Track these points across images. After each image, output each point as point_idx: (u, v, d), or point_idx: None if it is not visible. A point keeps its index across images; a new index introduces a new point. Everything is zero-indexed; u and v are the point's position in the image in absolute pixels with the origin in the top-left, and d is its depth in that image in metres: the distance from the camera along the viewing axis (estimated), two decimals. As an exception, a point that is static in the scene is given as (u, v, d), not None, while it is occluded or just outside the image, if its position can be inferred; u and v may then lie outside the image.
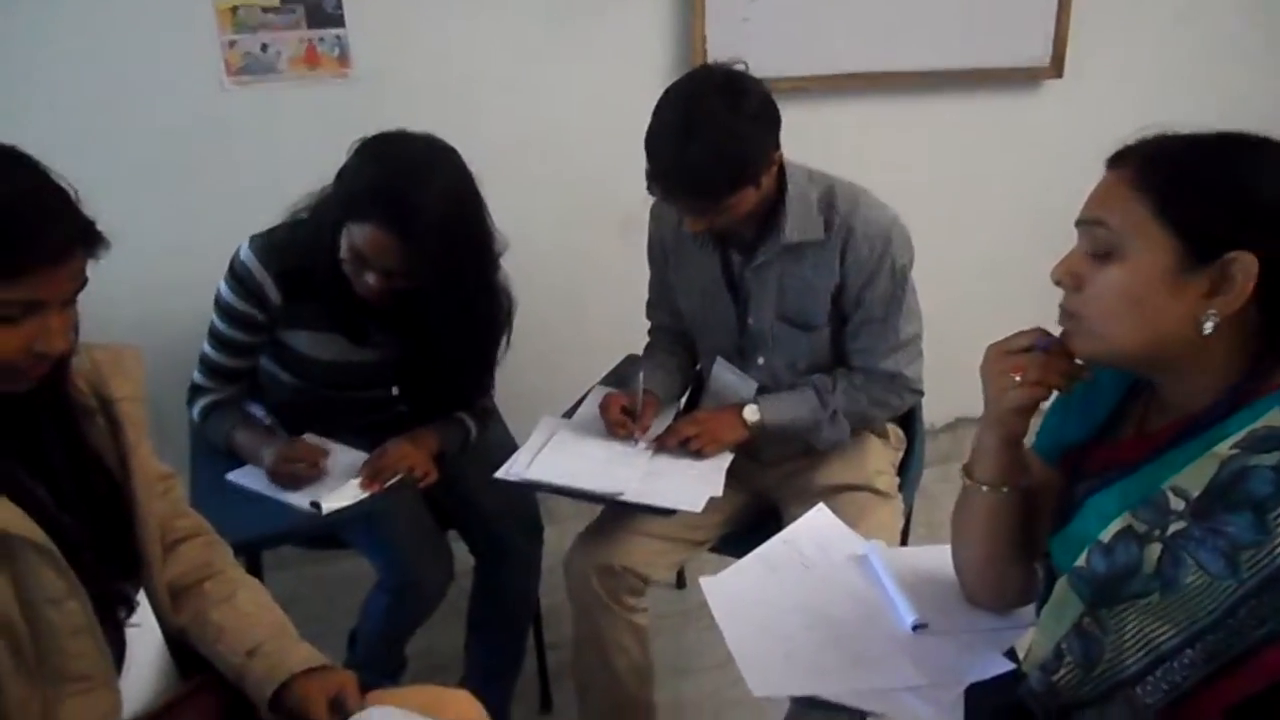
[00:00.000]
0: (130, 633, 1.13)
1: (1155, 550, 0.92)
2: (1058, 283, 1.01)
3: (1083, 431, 1.12)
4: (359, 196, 1.55)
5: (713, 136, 1.49)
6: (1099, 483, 1.03)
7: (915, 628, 1.22)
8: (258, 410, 1.86)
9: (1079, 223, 1.00)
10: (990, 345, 1.10)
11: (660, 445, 1.74)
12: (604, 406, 1.79)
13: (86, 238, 0.99)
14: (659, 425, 1.80)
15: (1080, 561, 0.98)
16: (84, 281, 1.01)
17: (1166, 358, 0.97)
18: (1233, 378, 0.95)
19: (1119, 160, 0.98)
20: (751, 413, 1.75)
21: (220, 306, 1.72)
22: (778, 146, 1.60)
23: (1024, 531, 1.16)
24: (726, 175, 1.53)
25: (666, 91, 1.57)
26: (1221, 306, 0.91)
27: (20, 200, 0.94)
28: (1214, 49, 2.87)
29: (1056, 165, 2.84)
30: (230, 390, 1.81)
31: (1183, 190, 0.93)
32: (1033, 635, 1.08)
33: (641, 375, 1.82)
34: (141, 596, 1.16)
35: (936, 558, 1.34)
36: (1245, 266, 0.89)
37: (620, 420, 1.76)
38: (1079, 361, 1.04)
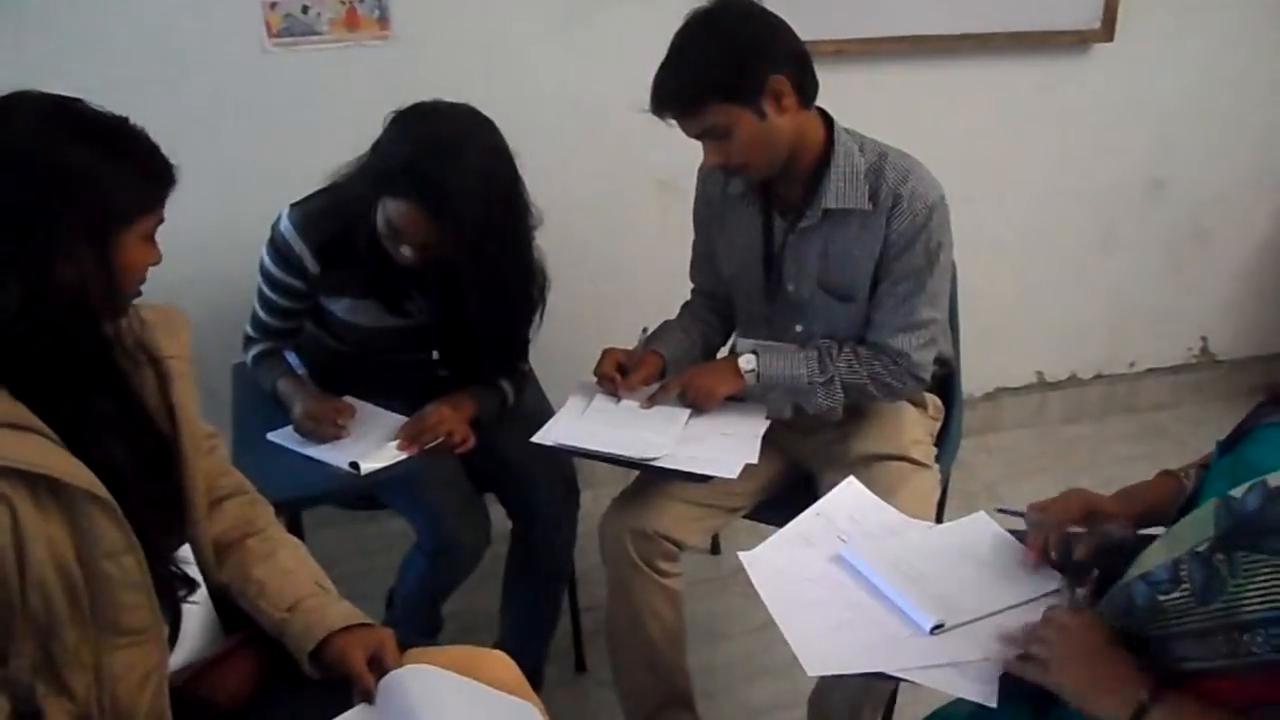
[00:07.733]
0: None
1: None
2: None
3: None
4: (393, 173, 1.56)
5: (680, 48, 1.54)
6: None
7: (933, 630, 1.17)
8: (293, 359, 1.91)
9: None
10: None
11: (652, 401, 1.75)
12: (600, 359, 1.80)
13: None
14: None
15: (1237, 492, 0.89)
16: None
17: None
18: None
19: None
20: (747, 362, 1.73)
21: (264, 274, 1.76)
22: (784, 75, 1.55)
23: None
24: (687, 82, 1.54)
25: None
26: None
27: (149, 141, 1.07)
28: (1278, 9, 2.76)
29: (1105, 133, 2.78)
30: (281, 343, 1.89)
31: None
32: (1155, 545, 1.00)
33: (644, 333, 1.83)
34: (188, 552, 1.19)
35: (932, 539, 1.31)
36: None
37: (608, 375, 1.77)
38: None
